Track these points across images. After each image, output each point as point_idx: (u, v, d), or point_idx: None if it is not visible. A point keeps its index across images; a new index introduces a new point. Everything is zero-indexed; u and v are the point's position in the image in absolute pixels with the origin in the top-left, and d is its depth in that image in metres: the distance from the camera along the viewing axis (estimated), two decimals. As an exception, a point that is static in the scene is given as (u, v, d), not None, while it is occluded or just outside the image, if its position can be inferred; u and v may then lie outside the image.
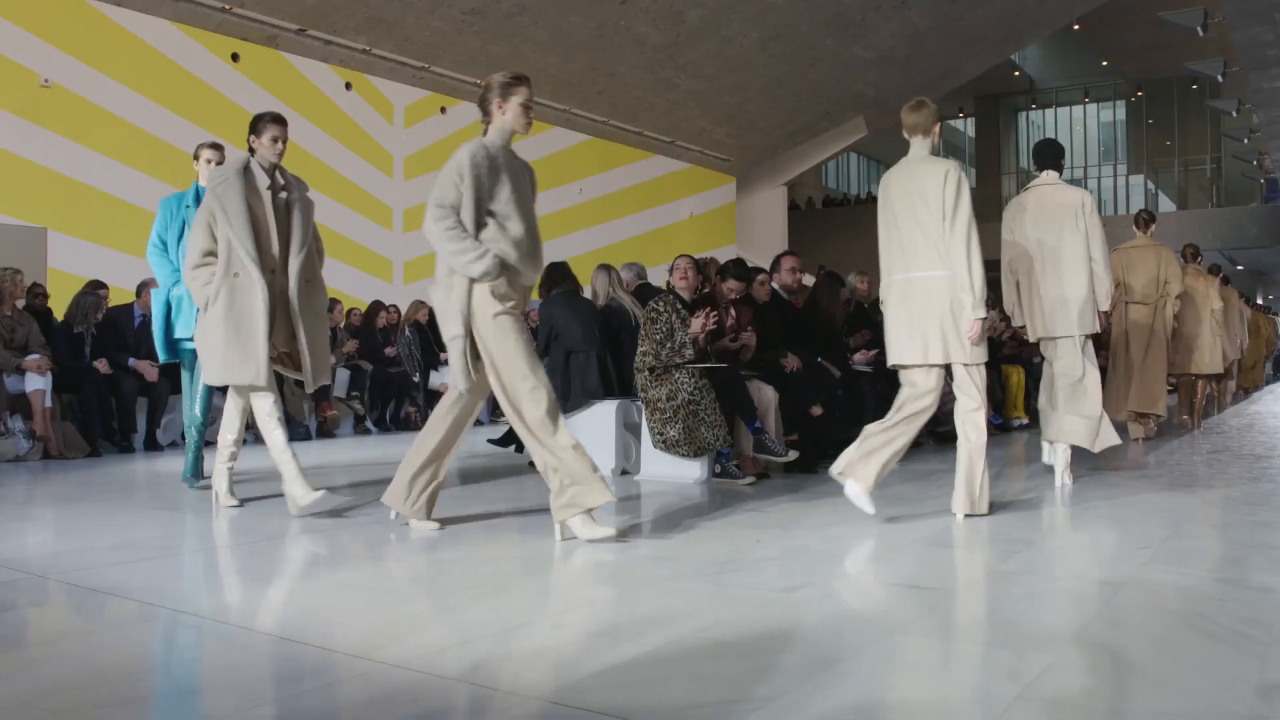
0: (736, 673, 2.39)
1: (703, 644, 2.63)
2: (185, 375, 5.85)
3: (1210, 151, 34.45)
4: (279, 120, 4.94)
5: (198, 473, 5.77)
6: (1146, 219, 8.33)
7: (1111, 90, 36.32)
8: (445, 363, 10.72)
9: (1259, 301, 34.23)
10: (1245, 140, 27.30)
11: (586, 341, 6.30)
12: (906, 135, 4.67)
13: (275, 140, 4.88)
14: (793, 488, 5.66)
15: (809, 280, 8.25)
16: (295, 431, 9.13)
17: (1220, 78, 19.69)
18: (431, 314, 11.33)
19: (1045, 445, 5.93)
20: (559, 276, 6.67)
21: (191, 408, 5.80)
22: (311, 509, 4.69)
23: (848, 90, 19.53)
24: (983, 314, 4.42)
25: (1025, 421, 9.67)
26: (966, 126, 38.53)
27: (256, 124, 4.91)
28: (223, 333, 4.70)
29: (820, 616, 2.92)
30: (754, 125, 20.14)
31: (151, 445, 7.99)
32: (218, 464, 5.09)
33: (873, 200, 30.04)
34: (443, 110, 15.93)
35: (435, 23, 14.33)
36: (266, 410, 4.92)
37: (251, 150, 4.93)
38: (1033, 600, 3.13)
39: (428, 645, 2.63)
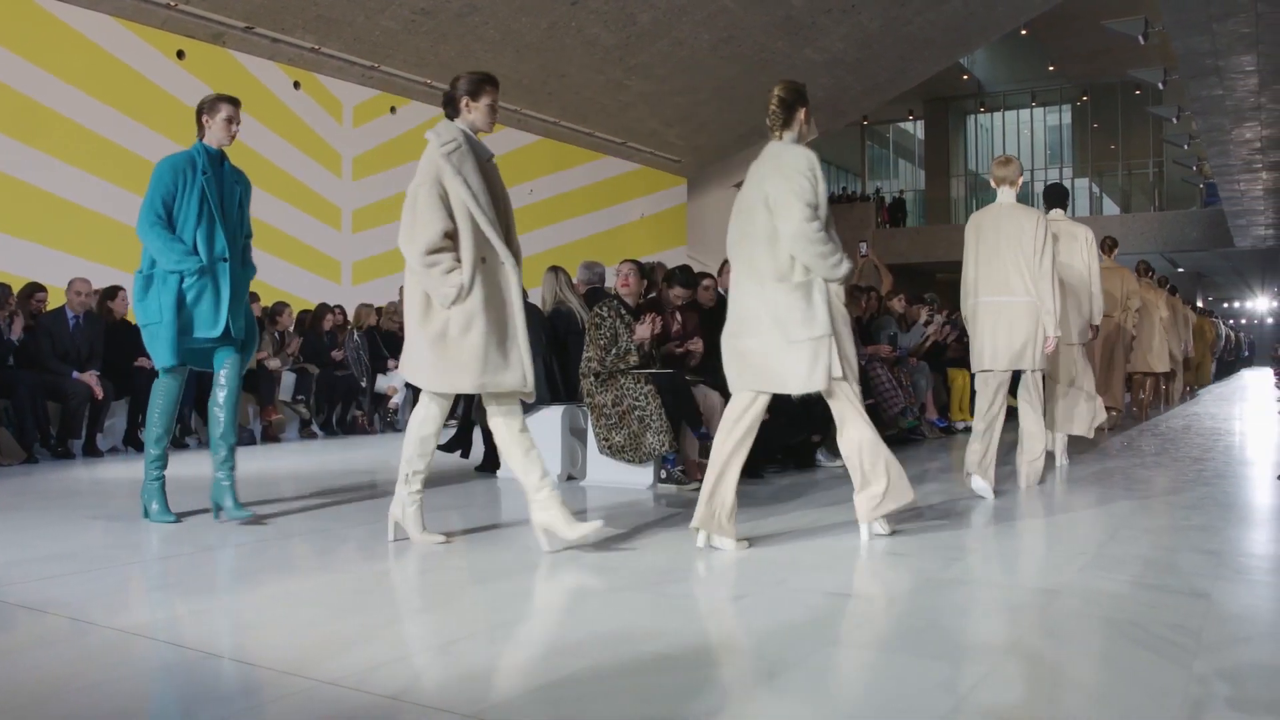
0: (676, 687, 2.38)
1: (643, 658, 2.62)
2: (172, 383, 4.73)
3: (1152, 156, 35.03)
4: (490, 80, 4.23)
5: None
6: (1111, 244, 9.52)
7: (1058, 95, 36.82)
8: (393, 367, 10.64)
9: (1199, 305, 34.92)
10: (1185, 146, 27.74)
11: (532, 346, 6.25)
12: (994, 185, 5.76)
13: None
14: (739, 493, 5.66)
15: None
16: (239, 436, 9.01)
17: (1161, 85, 20.01)
18: (380, 317, 11.24)
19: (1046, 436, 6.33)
20: None
21: (162, 421, 4.80)
22: (586, 540, 4.05)
23: (799, 93, 19.61)
24: (1058, 332, 5.53)
25: (970, 424, 9.78)
26: (916, 129, 38.87)
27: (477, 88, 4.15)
28: (483, 330, 3.95)
29: (761, 627, 2.92)
30: (705, 127, 20.16)
31: (91, 451, 7.83)
32: (407, 493, 4.20)
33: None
34: (392, 110, 15.79)
35: (385, 22, 14.20)
36: (520, 428, 4.14)
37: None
38: (971, 609, 3.16)
39: (363, 661, 2.60)
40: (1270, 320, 45.26)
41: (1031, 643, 2.76)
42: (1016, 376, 5.73)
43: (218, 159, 4.75)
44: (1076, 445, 7.64)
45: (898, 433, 8.03)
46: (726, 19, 16.21)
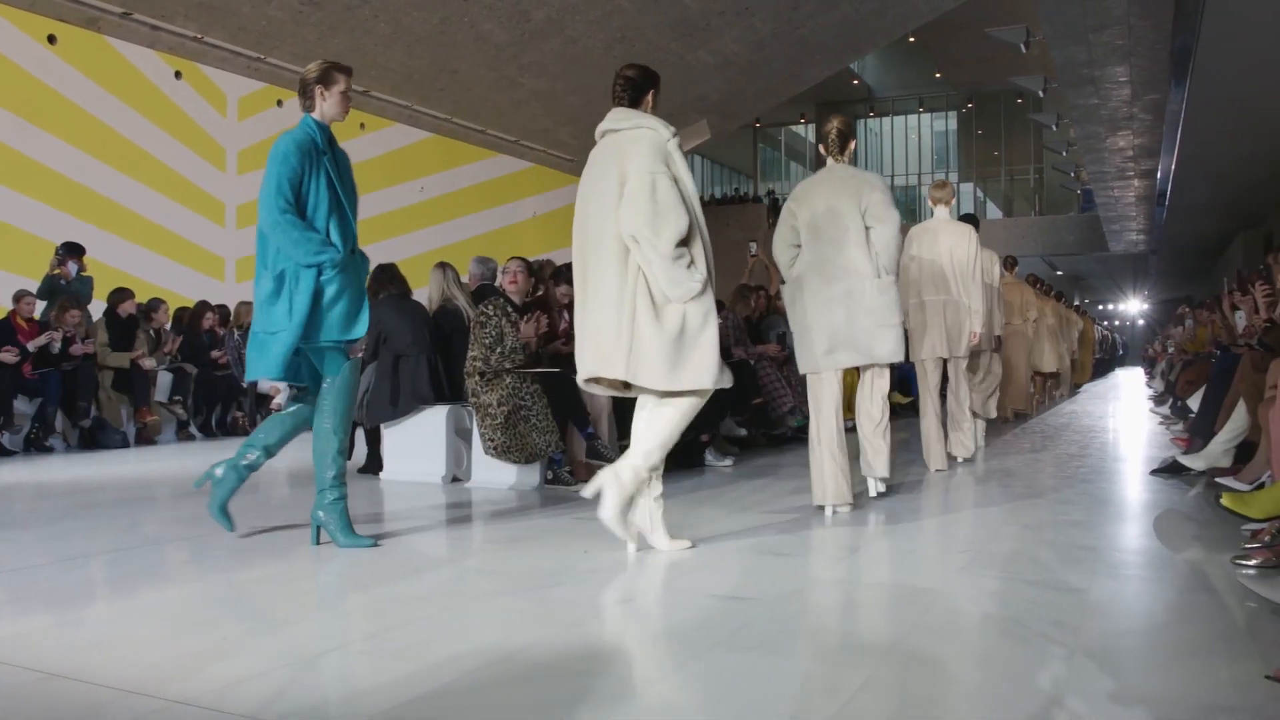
0: (556, 698, 2.30)
1: (519, 667, 2.53)
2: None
3: (1033, 162, 36.19)
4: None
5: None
6: (1012, 263, 10.77)
7: (944, 101, 37.77)
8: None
9: (1077, 306, 36.07)
10: (1064, 153, 28.71)
11: (416, 344, 6.13)
12: (931, 204, 6.85)
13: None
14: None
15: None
16: (112, 439, 8.65)
17: (1041, 93, 20.64)
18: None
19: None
20: (387, 279, 6.49)
21: (276, 432, 4.33)
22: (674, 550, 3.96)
23: (692, 94, 19.70)
24: (982, 328, 6.58)
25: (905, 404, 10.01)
26: (808, 132, 39.45)
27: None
28: (715, 325, 3.84)
29: (641, 633, 2.85)
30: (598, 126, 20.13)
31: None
32: (650, 501, 3.95)
33: (715, 202, 30.27)
34: (280, 103, 15.37)
35: (272, 12, 13.81)
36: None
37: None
38: (854, 609, 3.14)
39: (223, 677, 2.45)
40: (1141, 321, 47.12)
41: (913, 643, 2.74)
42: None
43: (331, 137, 4.18)
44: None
45: (787, 432, 8.07)
46: (620, 19, 16.18)
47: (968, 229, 6.63)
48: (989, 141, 37.94)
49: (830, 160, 5.05)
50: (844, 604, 3.23)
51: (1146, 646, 2.77)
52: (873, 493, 5.33)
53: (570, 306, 6.18)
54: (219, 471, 4.31)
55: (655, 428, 3.84)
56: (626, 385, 3.96)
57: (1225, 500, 3.67)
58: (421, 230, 17.53)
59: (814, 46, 18.94)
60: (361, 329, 4.12)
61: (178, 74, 13.85)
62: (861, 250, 4.77)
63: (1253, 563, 3.53)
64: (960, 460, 6.93)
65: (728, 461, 6.78)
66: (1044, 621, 2.93)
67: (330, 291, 3.99)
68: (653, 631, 2.87)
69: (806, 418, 8.53)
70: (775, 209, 33.89)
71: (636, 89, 3.96)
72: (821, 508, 4.83)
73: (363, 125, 16.78)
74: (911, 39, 29.03)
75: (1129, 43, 13.14)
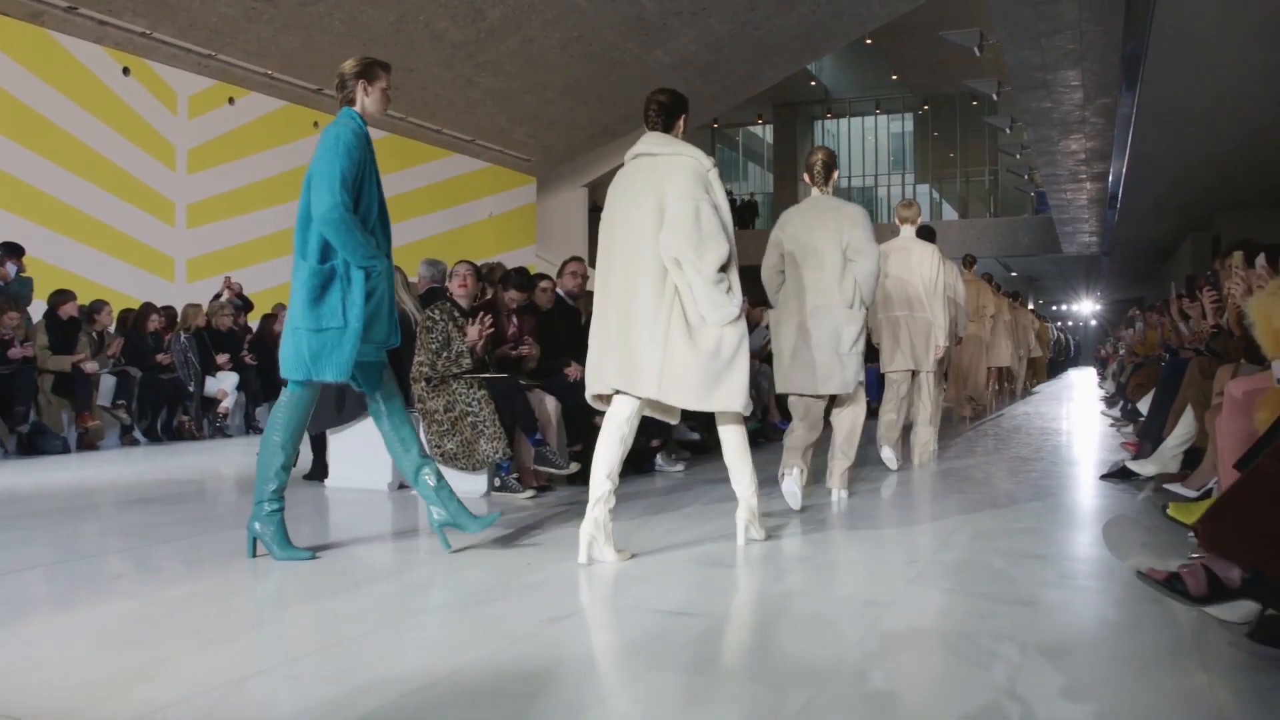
0: (481, 724, 2.23)
1: (451, 690, 2.45)
2: (309, 396, 4.10)
3: (988, 164, 36.46)
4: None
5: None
6: (971, 261, 11.26)
7: (900, 103, 37.97)
8: (225, 366, 10.15)
9: (1031, 308, 36.44)
10: (1018, 156, 28.97)
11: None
12: (898, 222, 7.13)
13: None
14: (574, 501, 5.53)
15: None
16: (52, 444, 8.44)
17: (995, 96, 20.78)
18: (209, 317, 10.67)
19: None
20: None
21: (295, 444, 4.13)
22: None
23: (650, 94, 19.65)
24: (947, 342, 7.02)
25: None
26: (765, 133, 39.53)
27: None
28: (748, 350, 4.01)
29: (579, 652, 2.78)
30: (555, 126, 20.00)
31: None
32: (604, 511, 3.98)
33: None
34: (231, 101, 15.13)
35: (222, 8, 13.56)
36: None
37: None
38: (800, 626, 3.09)
39: (149, 701, 2.35)
40: (1094, 322, 47.70)
41: (858, 662, 2.69)
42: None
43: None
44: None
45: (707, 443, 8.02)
46: (577, 18, 16.08)
47: (932, 247, 6.97)
48: (945, 143, 38.21)
49: (815, 190, 5.30)
50: (790, 619, 3.17)
51: (1093, 661, 2.74)
52: (833, 499, 5.42)
53: (519, 311, 6.10)
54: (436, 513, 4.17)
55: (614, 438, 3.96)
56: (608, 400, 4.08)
57: (1171, 510, 3.66)
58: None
59: (771, 47, 18.92)
60: (397, 336, 4.10)
61: (125, 70, 13.57)
62: (837, 281, 5.06)
63: (1199, 572, 3.53)
64: (917, 464, 7.05)
65: (679, 467, 6.73)
66: (991, 636, 2.89)
67: (375, 297, 3.92)
68: (594, 650, 2.80)
69: (760, 421, 8.56)
70: (733, 209, 33.92)
71: (670, 114, 4.08)
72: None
73: (316, 124, 16.56)
74: (868, 41, 29.16)
75: (1081, 47, 13.24)
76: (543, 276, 6.37)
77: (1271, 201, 18.50)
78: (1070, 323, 50.18)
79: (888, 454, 6.73)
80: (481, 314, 5.60)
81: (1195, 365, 5.34)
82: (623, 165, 4.13)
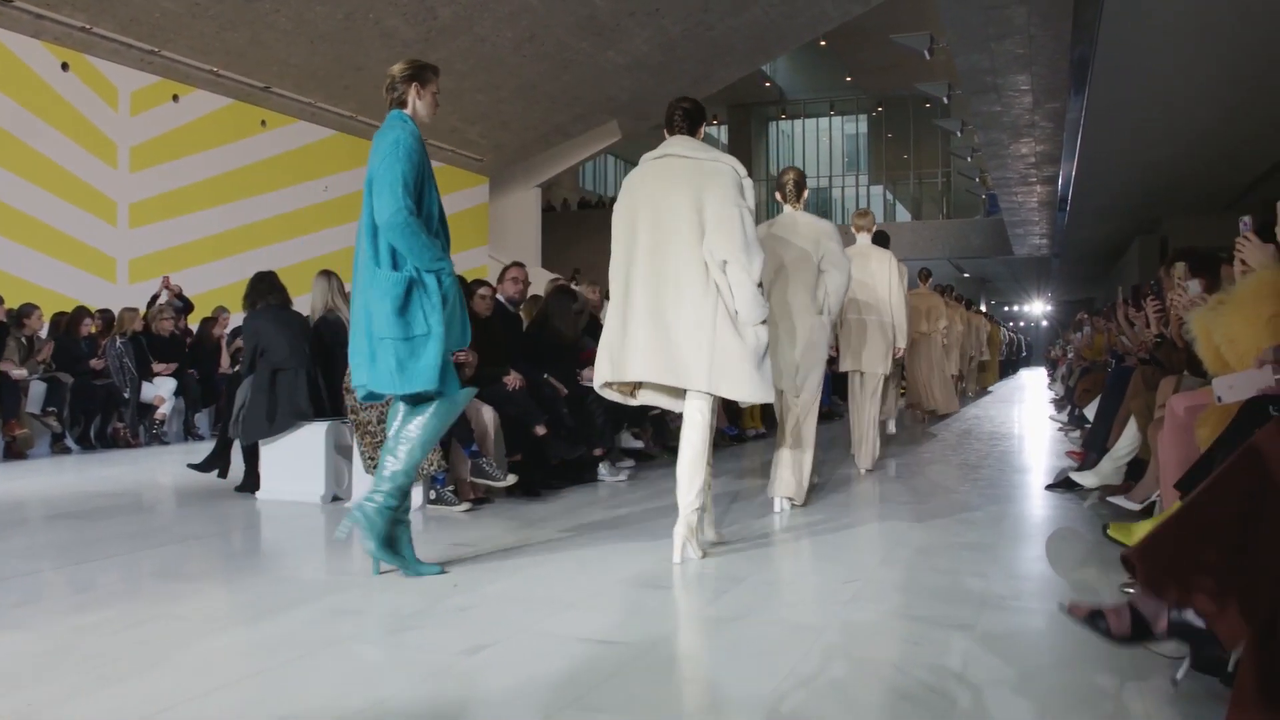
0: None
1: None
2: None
3: (941, 166, 36.72)
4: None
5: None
6: (927, 274, 11.79)
7: (855, 105, 38.15)
8: (162, 372, 9.89)
9: (983, 309, 36.79)
10: (969, 159, 29.15)
11: (295, 357, 5.83)
12: (854, 230, 7.59)
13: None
14: (512, 514, 5.40)
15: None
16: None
17: (946, 99, 20.89)
18: (148, 322, 10.37)
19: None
20: (266, 288, 6.18)
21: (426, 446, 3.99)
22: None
23: (602, 94, 19.51)
24: (903, 343, 7.32)
25: (761, 431, 9.78)
26: (720, 134, 39.54)
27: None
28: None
29: (498, 686, 2.65)
30: (507, 126, 19.83)
31: None
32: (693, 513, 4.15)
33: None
34: (175, 98, 14.84)
35: (165, 3, 13.26)
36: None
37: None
38: (730, 655, 2.97)
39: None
40: (1045, 323, 48.20)
41: (786, 693, 2.59)
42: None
43: None
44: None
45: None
46: (529, 17, 15.92)
47: (888, 254, 7.36)
48: (898, 145, 38.42)
49: (788, 207, 5.52)
50: (720, 648, 3.06)
51: (1030, 691, 2.65)
52: (776, 509, 5.35)
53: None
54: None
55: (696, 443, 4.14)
56: (634, 392, 4.34)
57: (1111, 530, 3.60)
58: (327, 230, 17.09)
59: (724, 48, 18.87)
60: (467, 338, 4.05)
61: (64, 65, 13.25)
62: (809, 292, 5.28)
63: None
64: (864, 471, 7.08)
65: (622, 476, 6.61)
66: (925, 666, 2.80)
67: (450, 299, 3.86)
68: (512, 684, 2.67)
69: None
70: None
71: (694, 120, 4.29)
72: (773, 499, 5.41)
73: (264, 122, 16.29)
74: (823, 43, 29.22)
75: (1030, 52, 13.29)
76: (481, 283, 6.22)
77: (1218, 205, 18.74)
78: (1022, 323, 50.69)
79: (866, 450, 7.05)
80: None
81: (1139, 375, 5.30)
82: (639, 165, 4.28)
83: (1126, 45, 10.13)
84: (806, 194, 5.62)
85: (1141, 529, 3.52)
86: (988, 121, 17.34)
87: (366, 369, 3.87)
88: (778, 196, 5.62)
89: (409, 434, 3.92)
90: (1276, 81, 11.01)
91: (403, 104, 3.94)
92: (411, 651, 2.94)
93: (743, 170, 4.15)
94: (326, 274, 6.37)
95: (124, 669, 2.81)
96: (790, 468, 5.36)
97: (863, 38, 27.23)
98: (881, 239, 7.86)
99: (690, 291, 4.01)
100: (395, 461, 3.92)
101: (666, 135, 4.31)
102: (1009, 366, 28.14)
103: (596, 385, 4.32)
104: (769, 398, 4.15)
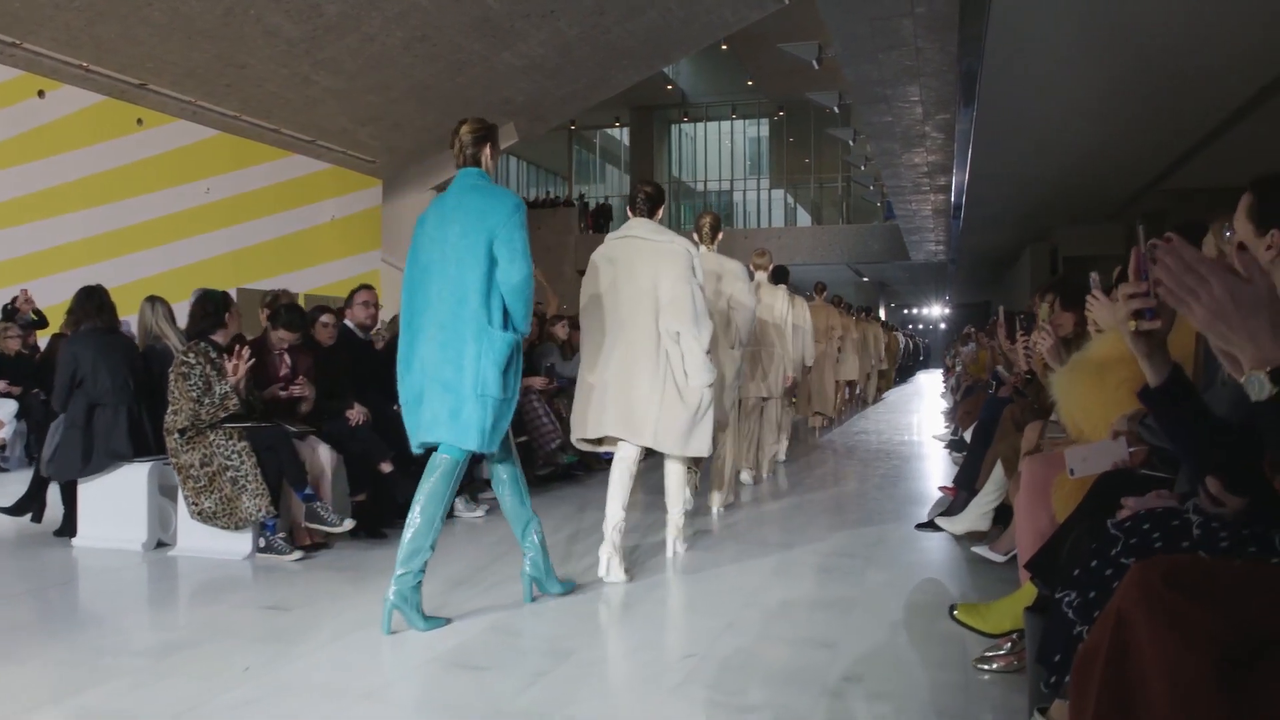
0: None
1: None
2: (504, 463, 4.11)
3: (841, 172, 36.96)
4: None
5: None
6: (821, 288, 12.16)
7: (757, 109, 38.22)
8: (6, 395, 9.24)
9: (882, 314, 37.25)
10: (863, 166, 29.38)
11: (117, 392, 5.29)
12: (753, 269, 7.60)
13: None
14: (348, 561, 5.01)
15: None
16: None
17: (836, 109, 20.90)
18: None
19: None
20: (93, 307, 5.52)
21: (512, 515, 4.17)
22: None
23: (498, 96, 19.07)
24: (794, 372, 7.97)
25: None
26: (622, 135, 39.32)
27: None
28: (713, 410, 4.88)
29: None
30: (400, 127, 19.28)
31: None
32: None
33: (528, 205, 30.17)
34: (40, 94, 14.06)
35: (27, -10, 12.52)
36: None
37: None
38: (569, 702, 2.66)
39: None
40: (944, 325, 48.99)
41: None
42: None
43: None
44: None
45: (555, 470, 7.60)
46: (420, 17, 15.44)
47: (783, 289, 7.91)
48: (799, 149, 38.60)
49: (703, 248, 5.93)
50: (559, 698, 2.75)
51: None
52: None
53: (294, 349, 5.55)
54: None
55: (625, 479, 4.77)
56: (598, 443, 4.88)
57: (959, 614, 3.37)
58: (210, 233, 16.41)
59: (621, 51, 18.59)
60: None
61: (-90, 57, 12.43)
62: (723, 328, 5.77)
63: (993, 666, 3.29)
64: (765, 475, 8.05)
65: (479, 512, 6.24)
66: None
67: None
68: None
69: (579, 454, 8.13)
70: (585, 212, 33.60)
71: (654, 204, 4.87)
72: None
73: (140, 121, 15.54)
74: (724, 47, 29.13)
75: (918, 64, 13.26)
76: (324, 309, 5.81)
77: (1105, 215, 19.06)
78: (921, 325, 51.46)
79: (745, 475, 7.57)
80: (238, 348, 5.03)
81: (1009, 415, 5.12)
82: (605, 243, 4.86)
83: (1013, 61, 10.10)
84: (721, 236, 6.11)
85: (993, 611, 3.29)
86: (879, 131, 17.35)
87: (447, 424, 3.82)
88: (694, 237, 5.88)
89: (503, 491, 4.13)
90: (1157, 98, 11.12)
91: (477, 162, 4.02)
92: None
93: (694, 250, 4.76)
94: (152, 300, 5.81)
95: None
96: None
97: (763, 42, 27.15)
98: (781, 275, 8.26)
99: (645, 359, 4.63)
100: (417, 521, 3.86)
101: (629, 215, 4.90)
102: (906, 370, 28.43)
103: (573, 440, 4.90)
104: (704, 452, 4.76)
